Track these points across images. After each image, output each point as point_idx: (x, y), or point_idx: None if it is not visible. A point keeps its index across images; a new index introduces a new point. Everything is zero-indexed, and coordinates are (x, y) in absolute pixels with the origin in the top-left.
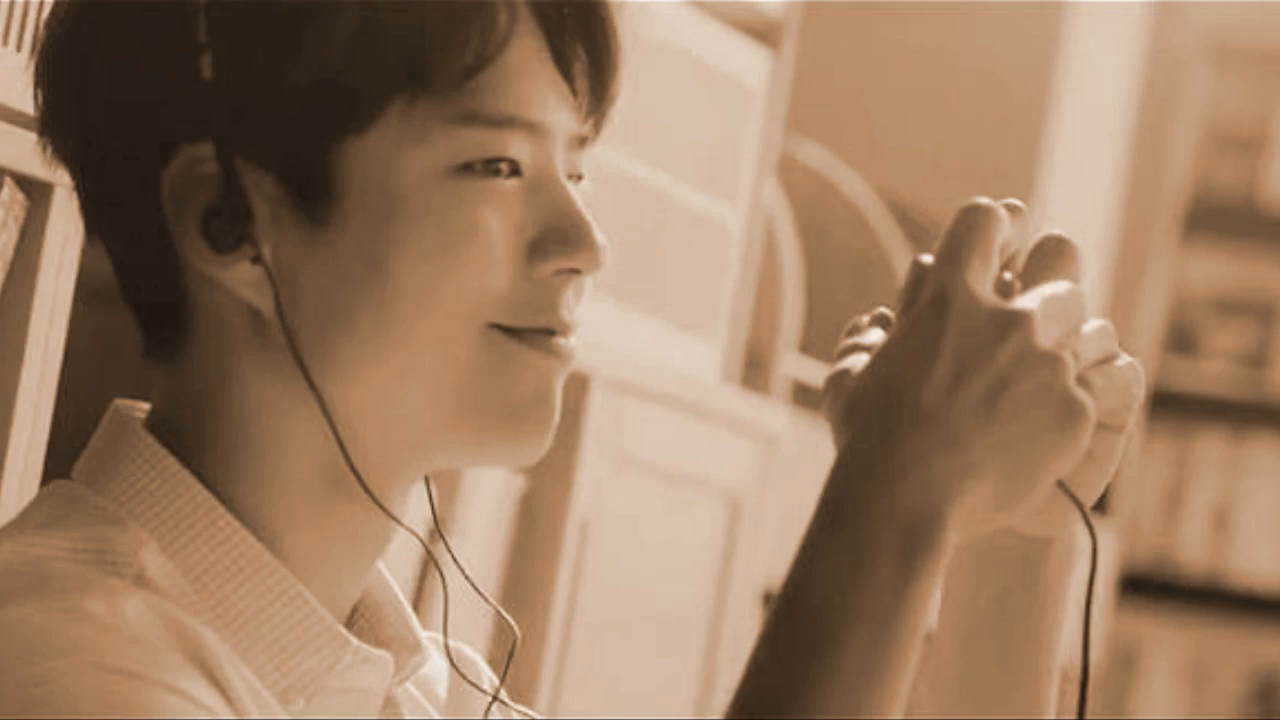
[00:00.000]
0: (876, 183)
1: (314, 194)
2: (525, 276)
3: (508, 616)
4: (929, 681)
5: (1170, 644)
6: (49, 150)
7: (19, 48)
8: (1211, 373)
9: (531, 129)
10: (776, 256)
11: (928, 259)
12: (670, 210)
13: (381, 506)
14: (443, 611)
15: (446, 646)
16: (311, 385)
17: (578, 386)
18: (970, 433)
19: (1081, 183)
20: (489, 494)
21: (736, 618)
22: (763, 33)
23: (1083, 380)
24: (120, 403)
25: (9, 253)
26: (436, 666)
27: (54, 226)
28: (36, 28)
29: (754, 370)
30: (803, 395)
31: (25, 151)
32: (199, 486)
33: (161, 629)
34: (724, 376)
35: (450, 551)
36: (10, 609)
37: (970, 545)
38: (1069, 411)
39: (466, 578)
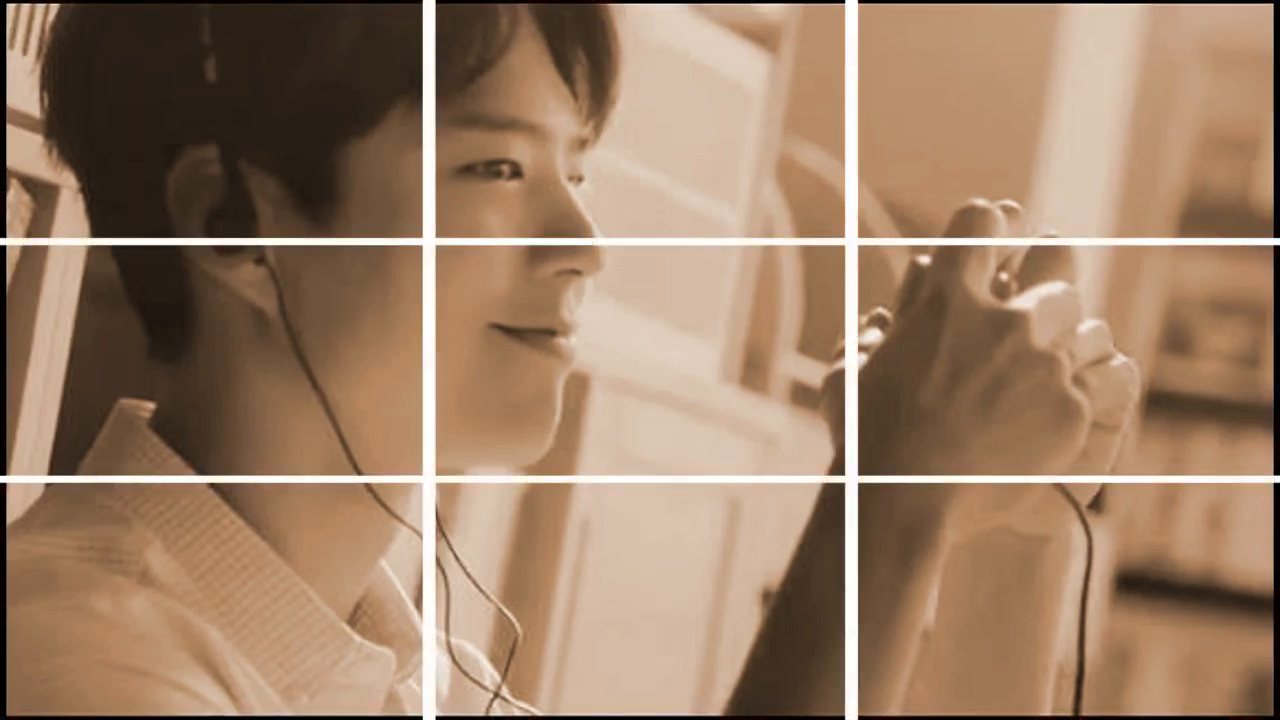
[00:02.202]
0: (875, 184)
1: (317, 196)
2: (526, 277)
3: (509, 614)
4: (926, 679)
5: (1165, 641)
6: (54, 153)
7: (25, 51)
8: (1206, 373)
9: (533, 131)
10: (776, 257)
11: (925, 260)
12: (670, 211)
13: (384, 506)
14: (444, 609)
15: (448, 644)
16: (315, 386)
17: (578, 386)
18: (967, 432)
19: (1077, 184)
20: (490, 494)
21: (736, 616)
22: (762, 36)
23: (1079, 380)
24: (125, 402)
25: (15, 254)
26: (438, 663)
27: (60, 228)
28: (43, 31)
29: (753, 370)
30: (802, 395)
31: (31, 154)
32: (203, 486)
33: (166, 627)
34: (723, 376)
35: (452, 550)
36: (17, 607)
37: (967, 544)
38: (1065, 411)
39: (468, 575)
